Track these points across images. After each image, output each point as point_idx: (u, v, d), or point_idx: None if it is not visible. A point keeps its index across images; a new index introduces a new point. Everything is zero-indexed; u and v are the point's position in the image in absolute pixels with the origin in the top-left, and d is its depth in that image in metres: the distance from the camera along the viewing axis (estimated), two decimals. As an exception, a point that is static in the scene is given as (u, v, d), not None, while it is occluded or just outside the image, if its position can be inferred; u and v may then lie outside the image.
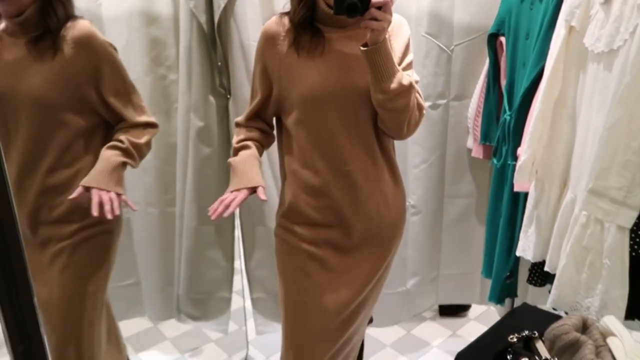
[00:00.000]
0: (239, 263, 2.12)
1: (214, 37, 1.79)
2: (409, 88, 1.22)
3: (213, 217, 1.20)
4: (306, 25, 1.27)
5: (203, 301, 2.05)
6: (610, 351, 1.06)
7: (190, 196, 1.91)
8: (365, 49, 1.16)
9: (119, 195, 1.31)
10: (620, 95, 1.23)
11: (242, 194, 1.24)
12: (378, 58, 1.16)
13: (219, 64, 1.84)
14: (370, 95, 1.24)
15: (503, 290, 1.97)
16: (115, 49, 1.42)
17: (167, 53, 1.88)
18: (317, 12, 1.27)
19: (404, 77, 1.22)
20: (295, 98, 1.29)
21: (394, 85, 1.19)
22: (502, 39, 1.86)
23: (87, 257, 1.42)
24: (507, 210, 1.83)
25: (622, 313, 1.30)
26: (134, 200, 2.01)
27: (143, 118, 1.46)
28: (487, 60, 1.96)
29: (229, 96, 1.87)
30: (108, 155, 1.36)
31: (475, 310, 2.55)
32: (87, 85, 1.36)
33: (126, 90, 1.43)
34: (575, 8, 1.39)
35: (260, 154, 1.39)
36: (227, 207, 1.21)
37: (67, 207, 1.37)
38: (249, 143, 1.37)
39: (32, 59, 1.30)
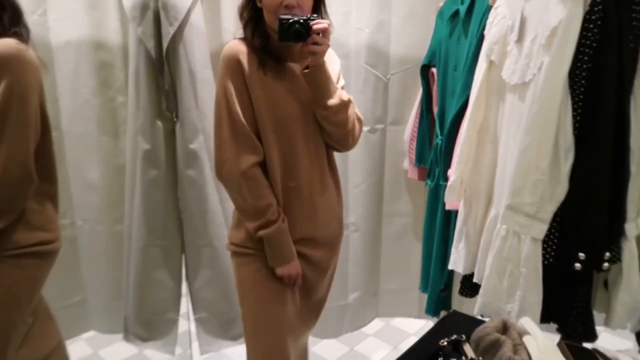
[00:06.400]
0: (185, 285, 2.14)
1: (162, 63, 1.83)
2: (348, 102, 1.39)
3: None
4: (267, 51, 1.35)
5: (151, 322, 2.05)
6: (525, 348, 1.19)
7: (138, 217, 1.92)
8: (307, 70, 1.31)
9: None
10: (530, 122, 1.40)
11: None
12: (319, 78, 1.32)
13: (166, 88, 1.89)
14: None
15: (438, 304, 2.10)
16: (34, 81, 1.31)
17: (116, 76, 1.91)
18: (270, 41, 1.37)
19: (343, 93, 1.39)
20: (271, 119, 1.36)
21: (334, 101, 1.35)
22: (434, 69, 2.02)
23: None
24: (440, 227, 1.97)
25: (538, 316, 1.45)
26: (81, 218, 2.05)
27: None
28: (421, 89, 2.11)
29: (175, 120, 1.91)
30: None
31: (414, 324, 2.66)
32: None
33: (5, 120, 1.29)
34: (494, 44, 1.57)
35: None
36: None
37: None
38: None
39: None
